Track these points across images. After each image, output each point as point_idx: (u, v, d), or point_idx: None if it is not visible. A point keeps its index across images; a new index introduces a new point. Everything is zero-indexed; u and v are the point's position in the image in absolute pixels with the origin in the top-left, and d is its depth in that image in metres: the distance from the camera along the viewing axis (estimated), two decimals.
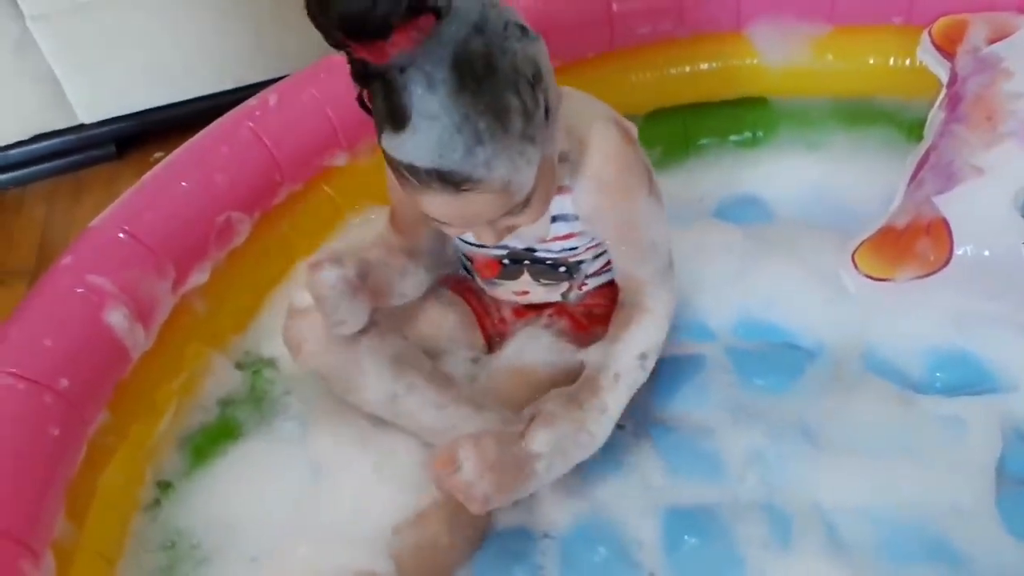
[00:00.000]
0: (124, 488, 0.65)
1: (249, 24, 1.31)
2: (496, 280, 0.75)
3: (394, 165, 0.56)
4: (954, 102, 0.80)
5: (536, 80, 0.56)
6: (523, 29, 0.56)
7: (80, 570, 0.58)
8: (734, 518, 0.68)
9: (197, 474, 0.72)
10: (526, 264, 0.73)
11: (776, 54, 0.96)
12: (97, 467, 0.62)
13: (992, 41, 0.80)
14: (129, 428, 0.67)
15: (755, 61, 0.96)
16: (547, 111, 0.58)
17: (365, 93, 0.55)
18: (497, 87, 0.54)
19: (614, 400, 0.67)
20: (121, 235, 0.69)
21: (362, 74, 0.53)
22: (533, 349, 0.76)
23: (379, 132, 0.55)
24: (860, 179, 0.94)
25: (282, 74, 1.34)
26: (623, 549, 0.66)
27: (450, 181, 0.54)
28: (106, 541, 0.62)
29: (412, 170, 0.54)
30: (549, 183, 0.62)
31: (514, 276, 0.74)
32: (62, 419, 0.57)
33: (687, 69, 0.98)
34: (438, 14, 0.51)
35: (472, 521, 0.68)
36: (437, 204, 0.57)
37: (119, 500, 0.64)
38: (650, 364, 0.70)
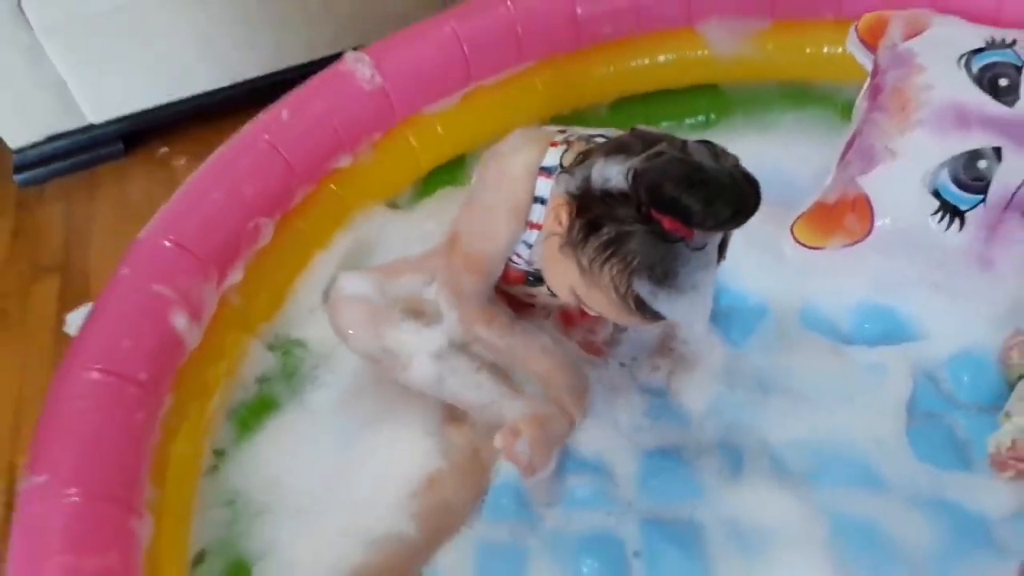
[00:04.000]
0: (190, 457, 0.76)
1: (243, 23, 1.37)
2: (522, 286, 0.84)
3: (629, 297, 0.64)
4: (875, 92, 0.91)
5: None
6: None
7: (164, 528, 0.70)
8: (696, 456, 0.82)
9: (244, 443, 0.83)
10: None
11: (724, 47, 1.07)
12: (168, 441, 0.74)
13: (908, 37, 0.91)
14: (188, 408, 0.78)
15: (706, 53, 1.07)
16: None
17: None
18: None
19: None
20: (168, 244, 0.79)
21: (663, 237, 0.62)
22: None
23: (631, 274, 0.63)
24: (802, 157, 1.06)
25: (276, 69, 1.44)
26: (606, 485, 0.80)
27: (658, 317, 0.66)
28: (180, 502, 0.74)
29: (639, 306, 0.64)
30: None
31: (536, 285, 0.83)
32: (143, 405, 0.67)
33: (646, 62, 1.10)
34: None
35: (476, 483, 0.81)
36: (618, 312, 0.67)
37: (187, 467, 0.76)
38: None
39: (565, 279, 0.69)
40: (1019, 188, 0.80)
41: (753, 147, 1.04)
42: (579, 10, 0.99)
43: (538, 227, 0.73)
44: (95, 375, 0.67)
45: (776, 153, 1.06)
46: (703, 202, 0.60)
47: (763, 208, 0.95)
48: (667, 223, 0.61)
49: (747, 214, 0.62)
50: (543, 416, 0.78)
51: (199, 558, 0.74)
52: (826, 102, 1.06)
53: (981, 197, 0.81)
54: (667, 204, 0.61)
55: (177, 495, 0.74)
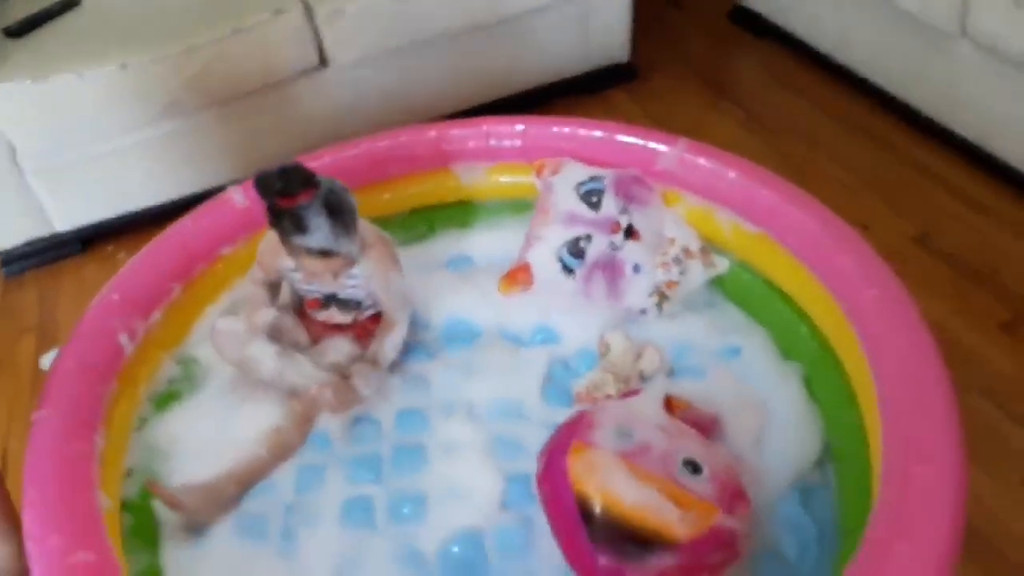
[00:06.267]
0: (124, 419, 1.27)
1: (182, 155, 1.88)
2: (317, 310, 1.42)
3: (298, 250, 1.18)
4: (539, 203, 1.53)
5: (355, 209, 1.20)
6: (346, 189, 1.20)
7: (108, 457, 1.19)
8: (438, 412, 1.35)
9: (159, 415, 1.31)
10: (333, 301, 1.40)
11: (468, 178, 1.69)
12: (112, 407, 1.25)
13: (554, 173, 1.54)
14: (126, 390, 1.29)
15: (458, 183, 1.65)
16: (356, 223, 1.21)
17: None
18: (343, 213, 1.19)
19: (384, 363, 1.32)
20: (115, 297, 1.33)
21: (277, 213, 1.16)
22: (337, 345, 1.41)
23: (287, 236, 1.16)
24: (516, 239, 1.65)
25: (207, 188, 1.87)
26: (367, 428, 1.31)
27: (327, 253, 1.19)
28: (119, 444, 1.24)
29: (309, 250, 1.18)
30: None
31: (327, 307, 1.41)
32: (101, 384, 1.20)
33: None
34: (315, 186, 1.15)
35: (303, 431, 1.27)
36: (316, 264, 1.21)
37: (123, 425, 1.27)
38: (398, 348, 1.35)
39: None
40: (598, 256, 1.42)
41: (493, 239, 1.67)
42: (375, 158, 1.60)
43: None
44: (72, 365, 1.20)
45: (504, 242, 1.62)
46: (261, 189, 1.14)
47: (497, 271, 1.50)
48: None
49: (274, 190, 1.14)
50: (339, 382, 1.28)
51: (128, 473, 1.21)
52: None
53: (581, 260, 1.42)
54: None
55: (117, 439, 1.24)
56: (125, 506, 1.17)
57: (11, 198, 1.79)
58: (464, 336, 1.45)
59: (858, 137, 2.03)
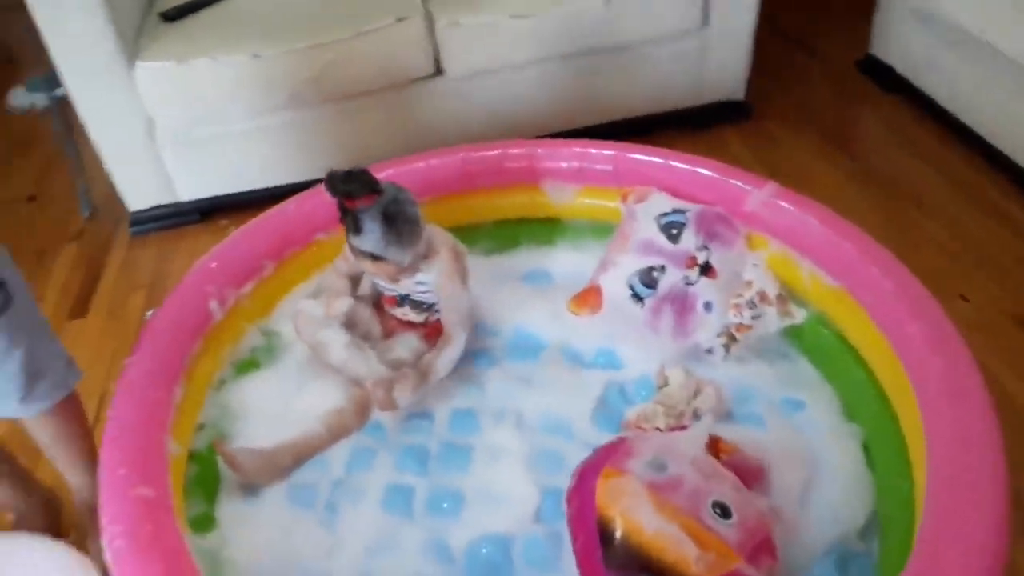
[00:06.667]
0: (205, 376, 1.38)
1: (298, 144, 2.00)
2: (393, 307, 1.48)
3: (354, 248, 1.26)
4: (620, 229, 1.54)
5: (416, 221, 1.28)
6: (412, 201, 1.27)
7: (184, 408, 1.30)
8: (489, 417, 1.38)
9: (238, 379, 1.41)
10: (407, 300, 1.46)
11: (557, 197, 1.72)
12: (194, 366, 1.35)
13: (638, 201, 1.55)
14: (211, 351, 1.40)
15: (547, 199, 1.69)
16: (418, 235, 1.29)
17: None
18: (399, 223, 1.26)
19: (435, 377, 1.35)
20: (212, 265, 1.45)
21: (344, 211, 1.24)
22: (406, 341, 1.47)
23: (347, 234, 1.25)
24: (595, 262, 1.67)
25: (316, 176, 2.01)
26: (422, 421, 1.37)
27: (375, 258, 1.27)
28: (196, 398, 1.35)
29: (361, 251, 1.25)
30: (416, 263, 1.33)
31: (401, 305, 1.47)
32: (191, 341, 1.31)
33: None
34: (376, 193, 1.24)
35: (361, 416, 1.34)
36: (368, 265, 1.29)
37: (203, 381, 1.38)
38: (451, 364, 1.37)
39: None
40: (670, 289, 1.42)
41: (570, 255, 1.70)
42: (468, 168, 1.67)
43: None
44: (165, 321, 1.32)
45: (583, 263, 1.63)
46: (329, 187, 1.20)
47: (569, 288, 1.54)
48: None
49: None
50: (394, 382, 1.32)
51: (200, 426, 1.32)
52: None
53: (653, 291, 1.43)
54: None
55: (195, 394, 1.35)
56: (192, 456, 1.26)
57: (145, 167, 1.97)
58: (528, 349, 1.48)
59: (972, 205, 1.93)
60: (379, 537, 1.19)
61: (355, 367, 1.37)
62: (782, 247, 1.44)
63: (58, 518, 1.35)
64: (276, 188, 2.00)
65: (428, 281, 1.37)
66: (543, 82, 2.05)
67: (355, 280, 1.47)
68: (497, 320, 1.54)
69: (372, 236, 1.23)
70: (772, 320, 1.42)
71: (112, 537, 0.97)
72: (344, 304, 1.42)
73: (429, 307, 1.43)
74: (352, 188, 1.21)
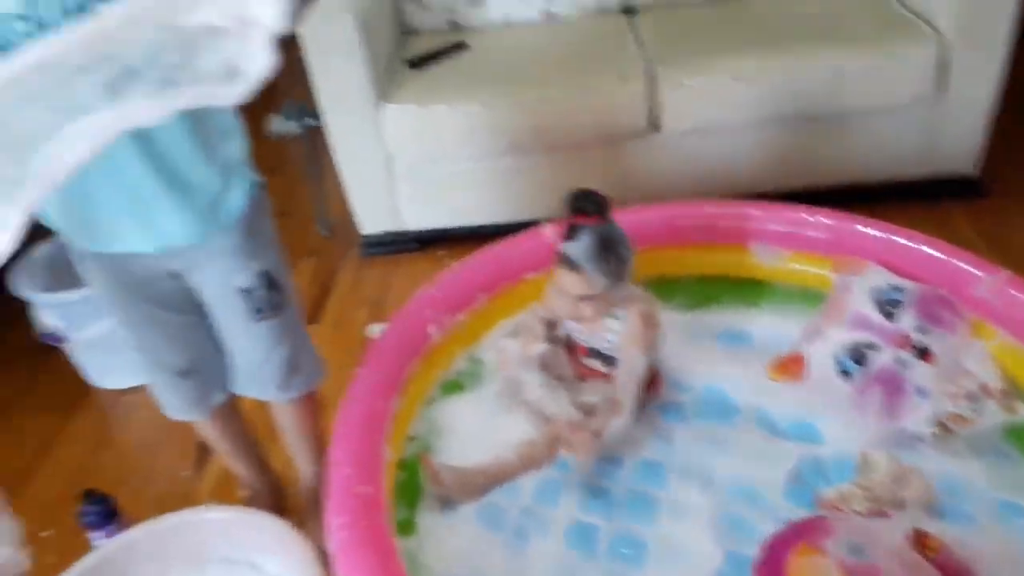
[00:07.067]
0: (419, 393, 1.52)
1: (514, 187, 2.13)
2: (584, 357, 1.51)
3: (560, 257, 1.31)
4: (831, 299, 1.51)
5: (624, 261, 1.34)
6: (628, 245, 1.33)
7: (400, 416, 1.43)
8: (676, 472, 1.40)
9: (444, 398, 1.53)
10: (597, 355, 1.47)
11: (765, 258, 1.71)
12: (410, 382, 1.49)
13: (853, 273, 1.50)
14: (426, 371, 1.54)
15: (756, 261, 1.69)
16: (623, 276, 1.36)
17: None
18: (608, 250, 1.33)
19: (605, 442, 1.38)
20: (434, 292, 1.59)
21: (572, 230, 1.31)
22: (597, 388, 1.50)
23: (563, 243, 1.30)
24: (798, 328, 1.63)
25: (528, 218, 1.99)
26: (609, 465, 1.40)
27: (574, 266, 1.31)
28: (411, 409, 1.48)
29: (565, 258, 1.29)
30: (606, 305, 1.41)
31: (591, 357, 1.48)
32: (410, 358, 1.45)
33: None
34: (602, 216, 1.30)
35: (550, 452, 1.37)
36: (564, 277, 1.33)
37: (418, 396, 1.51)
38: (620, 433, 1.38)
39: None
40: (880, 368, 1.36)
41: (772, 319, 1.68)
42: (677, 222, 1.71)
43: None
44: (390, 339, 1.46)
45: (785, 328, 1.62)
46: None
47: (768, 352, 1.53)
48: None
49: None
50: (589, 428, 1.36)
51: (410, 438, 1.44)
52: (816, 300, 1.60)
53: (861, 368, 1.38)
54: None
55: (409, 408, 1.48)
56: (401, 464, 1.39)
57: (381, 196, 2.19)
58: (720, 409, 1.49)
59: None
60: (561, 570, 1.24)
61: (549, 407, 1.44)
62: (1011, 339, 1.35)
63: (283, 499, 1.53)
64: (490, 226, 2.14)
65: (614, 338, 1.42)
66: (760, 142, 2.05)
67: (551, 326, 1.55)
68: (690, 376, 1.56)
69: (582, 245, 1.30)
70: (993, 415, 1.33)
71: (335, 528, 1.09)
72: (539, 348, 1.50)
73: (616, 363, 1.47)
74: (586, 205, 1.30)
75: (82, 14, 0.80)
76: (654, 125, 2.04)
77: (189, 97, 0.71)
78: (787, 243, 1.65)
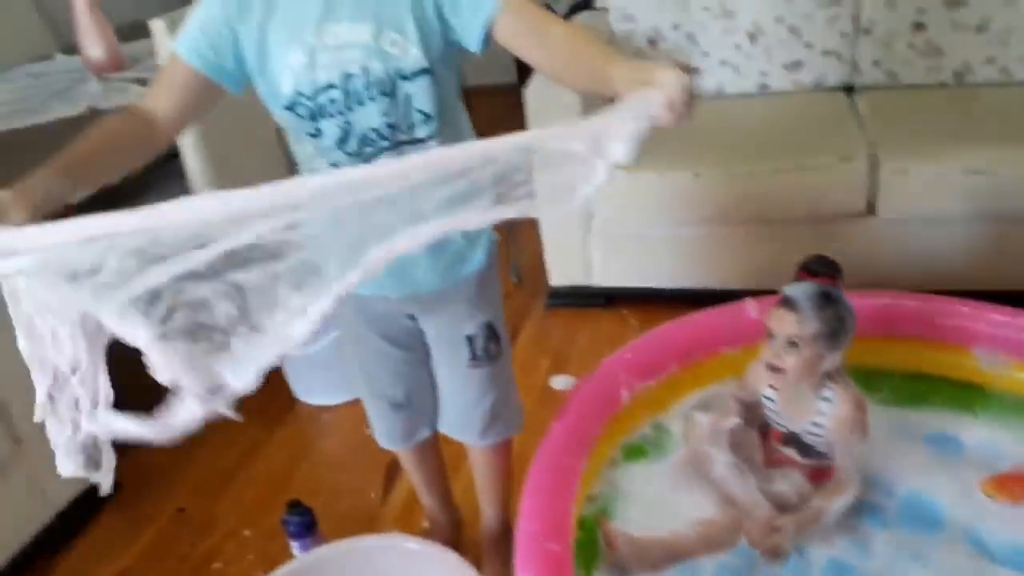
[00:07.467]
0: (604, 455, 1.52)
1: (709, 255, 2.13)
2: (779, 444, 1.47)
3: (771, 331, 1.29)
4: None
5: (846, 323, 1.29)
6: (852, 313, 1.30)
7: (585, 477, 1.44)
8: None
9: (626, 462, 1.53)
10: (794, 441, 1.42)
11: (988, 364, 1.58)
12: (597, 444, 1.50)
13: None
14: (610, 434, 1.54)
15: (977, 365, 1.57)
16: (838, 341, 1.28)
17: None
18: (827, 306, 1.27)
19: (825, 524, 1.32)
20: (627, 355, 1.60)
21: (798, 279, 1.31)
22: (789, 476, 1.45)
23: (777, 313, 1.28)
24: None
25: (719, 288, 2.09)
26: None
27: (790, 305, 1.26)
28: (595, 470, 1.48)
29: (784, 297, 1.27)
30: (811, 368, 1.33)
31: (788, 444, 1.43)
32: (598, 420, 1.47)
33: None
34: (830, 280, 1.28)
35: (731, 537, 1.34)
36: (775, 316, 1.28)
37: (601, 458, 1.52)
38: (842, 512, 1.32)
39: None
40: None
41: (990, 429, 1.54)
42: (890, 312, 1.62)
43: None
44: (584, 398, 1.49)
45: (1005, 442, 1.50)
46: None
47: (972, 465, 1.43)
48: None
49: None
50: (775, 528, 1.29)
51: (591, 497, 1.44)
52: None
53: None
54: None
55: (594, 467, 1.49)
56: (580, 522, 1.40)
57: (573, 250, 2.24)
58: (924, 520, 1.38)
59: None
60: None
61: (733, 488, 1.40)
62: None
63: (460, 535, 1.58)
64: (680, 290, 2.14)
65: (824, 425, 1.36)
66: (983, 236, 1.92)
67: (747, 407, 1.51)
68: (893, 478, 1.46)
69: (804, 287, 1.27)
70: None
71: None
72: (731, 422, 1.47)
73: (818, 455, 1.40)
74: (818, 267, 1.29)
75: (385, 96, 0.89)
76: (870, 209, 1.96)
77: (514, 211, 0.75)
78: (1015, 351, 1.52)
